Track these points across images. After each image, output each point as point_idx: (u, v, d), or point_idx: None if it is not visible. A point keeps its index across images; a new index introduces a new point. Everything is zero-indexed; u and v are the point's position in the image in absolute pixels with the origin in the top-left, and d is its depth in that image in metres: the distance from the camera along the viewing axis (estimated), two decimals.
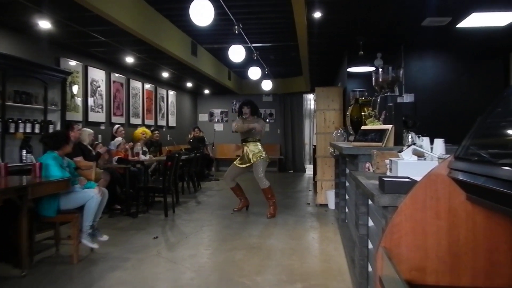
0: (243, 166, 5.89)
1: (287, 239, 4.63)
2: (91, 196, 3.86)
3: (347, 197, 4.88)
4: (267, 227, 5.21)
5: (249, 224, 5.35)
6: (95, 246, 3.92)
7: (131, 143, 6.84)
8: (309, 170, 12.13)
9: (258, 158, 5.75)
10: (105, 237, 4.04)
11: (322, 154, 6.66)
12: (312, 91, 11.38)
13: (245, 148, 5.89)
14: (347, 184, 4.85)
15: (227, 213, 6.02)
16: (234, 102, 12.86)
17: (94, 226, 3.95)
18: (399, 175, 2.15)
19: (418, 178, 1.84)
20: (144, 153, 6.87)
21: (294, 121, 12.56)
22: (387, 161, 2.47)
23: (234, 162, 6.02)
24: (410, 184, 1.76)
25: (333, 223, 5.38)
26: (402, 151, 2.33)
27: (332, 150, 5.44)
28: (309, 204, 6.83)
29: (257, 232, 4.92)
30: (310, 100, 12.97)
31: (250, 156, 5.82)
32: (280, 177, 10.96)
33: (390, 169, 2.35)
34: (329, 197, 6.34)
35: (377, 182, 2.08)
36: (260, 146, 5.87)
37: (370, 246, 2.88)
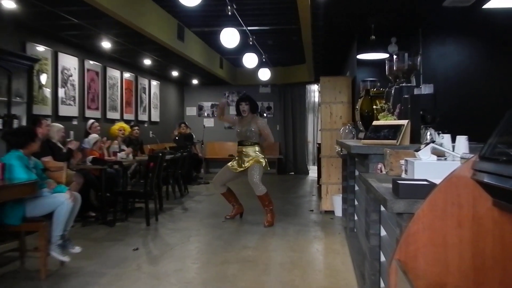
0: (237, 171, 5.89)
1: (287, 251, 4.63)
2: (62, 201, 3.84)
3: (356, 203, 4.89)
4: (264, 238, 5.21)
5: (243, 234, 5.34)
6: (66, 259, 3.90)
7: (108, 141, 6.82)
8: (312, 172, 12.15)
9: (255, 162, 5.74)
10: (77, 249, 4.02)
11: (327, 153, 6.67)
12: (316, 81, 11.39)
13: (242, 150, 5.89)
14: (356, 188, 4.85)
15: (218, 222, 6.02)
16: (227, 94, 12.85)
17: (65, 236, 3.93)
18: (415, 177, 2.16)
19: (437, 181, 1.84)
20: (121, 150, 6.84)
21: (295, 115, 12.57)
22: (402, 162, 2.48)
23: (228, 164, 6.02)
24: (428, 187, 1.76)
25: (340, 232, 5.39)
26: (420, 150, 2.33)
27: (339, 149, 5.45)
28: (312, 211, 6.84)
29: (253, 243, 4.91)
30: (314, 91, 12.97)
31: (245, 160, 5.82)
32: (279, 180, 10.97)
33: (406, 171, 2.37)
34: (336, 203, 6.35)
35: (390, 185, 2.08)
36: (258, 151, 5.86)
37: (383, 259, 2.88)
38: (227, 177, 6.06)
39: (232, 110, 10.82)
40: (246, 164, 5.79)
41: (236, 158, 5.97)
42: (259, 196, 5.74)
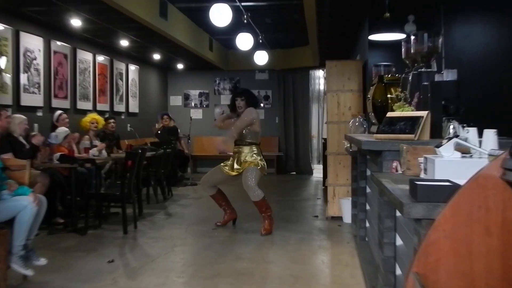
0: (231, 173, 5.91)
1: (287, 262, 4.64)
2: (24, 205, 3.83)
3: (367, 207, 4.91)
4: (260, 248, 5.22)
5: (236, 244, 5.36)
6: (29, 272, 3.89)
7: (77, 134, 6.77)
8: (317, 171, 12.19)
9: (251, 164, 5.75)
10: (42, 261, 4.02)
11: (334, 150, 6.69)
12: (321, 66, 11.39)
13: (239, 151, 5.91)
14: (368, 190, 4.87)
15: (208, 229, 6.03)
16: (218, 81, 12.84)
17: (28, 246, 3.92)
18: (436, 177, 2.16)
19: (461, 182, 1.84)
20: (93, 146, 6.79)
21: (297, 106, 12.58)
22: (421, 159, 2.48)
23: (221, 165, 6.05)
24: (451, 189, 1.76)
25: (349, 241, 5.41)
26: (441, 145, 2.33)
27: (348, 145, 5.45)
28: (317, 216, 6.87)
29: (248, 254, 4.93)
30: (318, 78, 12.98)
31: (241, 162, 5.84)
32: (278, 181, 10.99)
33: (425, 170, 2.37)
34: (344, 208, 6.37)
35: (407, 186, 2.09)
36: (256, 152, 5.88)
37: (398, 271, 2.89)
38: (218, 178, 6.08)
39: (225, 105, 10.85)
40: (241, 167, 5.81)
41: (231, 159, 5.98)
42: (255, 202, 5.75)
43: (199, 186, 9.58)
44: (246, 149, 5.87)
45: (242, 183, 5.81)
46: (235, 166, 5.89)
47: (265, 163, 5.93)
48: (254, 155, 5.85)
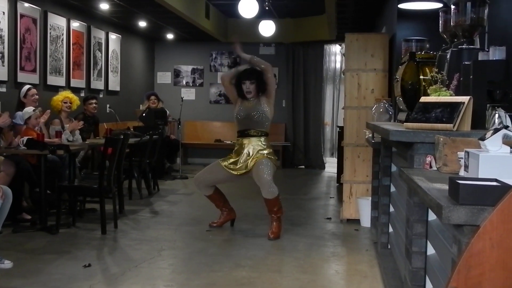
0: (235, 172, 5.84)
1: (295, 272, 4.64)
2: None
3: (391, 209, 4.91)
4: (264, 254, 5.21)
5: (235, 248, 5.35)
6: None
7: (47, 111, 6.69)
8: (330, 166, 12.18)
9: (263, 156, 5.75)
10: (7, 264, 4.05)
11: (352, 141, 6.67)
12: (339, 39, 11.35)
13: (243, 144, 5.85)
14: (393, 188, 4.87)
15: (201, 231, 6.03)
16: (214, 55, 12.79)
17: None
18: (480, 176, 2.16)
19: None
20: (62, 131, 6.74)
21: (308, 87, 12.55)
22: (461, 154, 2.48)
23: (221, 162, 5.96)
24: (500, 190, 1.76)
25: (368, 249, 5.41)
26: (486, 138, 2.33)
27: (370, 135, 5.45)
28: (330, 219, 6.88)
29: (249, 261, 4.92)
30: (335, 54, 12.93)
31: (251, 155, 5.77)
32: (284, 176, 10.97)
33: (466, 167, 2.37)
34: (362, 209, 6.38)
35: (446, 186, 2.08)
36: (266, 144, 5.86)
37: (429, 286, 2.90)
38: (217, 178, 6.02)
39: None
40: (250, 164, 5.75)
41: (233, 154, 5.92)
42: (268, 199, 5.72)
43: (191, 180, 9.62)
44: (254, 141, 5.81)
45: (243, 178, 5.80)
46: (240, 163, 5.80)
47: (276, 158, 5.96)
48: (263, 147, 5.81)
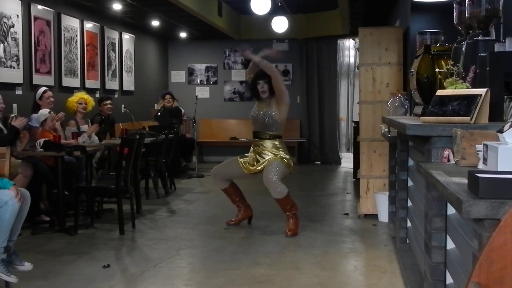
0: (246, 171, 5.95)
1: (314, 269, 4.65)
2: (5, 201, 3.85)
3: (409, 203, 4.89)
4: (282, 251, 5.23)
5: (253, 246, 5.37)
6: (12, 279, 3.92)
7: (61, 113, 6.72)
8: (346, 161, 12.16)
9: (275, 158, 5.79)
10: (27, 265, 4.06)
11: (368, 136, 6.66)
12: (352, 34, 11.31)
13: (257, 146, 5.94)
14: (410, 183, 4.85)
15: (219, 229, 6.05)
16: (228, 53, 12.80)
17: (10, 249, 3.96)
18: (500, 169, 2.14)
19: None
20: (81, 133, 6.79)
21: (322, 83, 12.52)
22: (479, 147, 2.46)
23: (238, 158, 6.08)
24: None
25: (387, 244, 5.40)
26: (504, 130, 2.31)
27: (386, 129, 5.43)
28: (347, 214, 6.88)
29: (267, 259, 4.93)
30: (349, 49, 12.89)
31: (261, 158, 5.85)
32: (300, 172, 10.97)
33: (485, 160, 2.35)
34: (380, 204, 6.37)
35: (464, 180, 2.07)
36: (280, 147, 5.90)
37: (449, 280, 2.89)
38: (233, 172, 6.11)
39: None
40: (262, 165, 5.82)
41: (251, 153, 6.00)
42: (278, 199, 5.76)
43: (207, 178, 9.67)
44: (268, 144, 5.86)
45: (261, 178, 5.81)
46: (254, 164, 5.89)
47: (291, 161, 5.97)
48: (278, 148, 5.85)
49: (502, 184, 1.79)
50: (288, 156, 5.93)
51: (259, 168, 5.84)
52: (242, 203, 6.22)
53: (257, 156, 5.90)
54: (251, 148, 6.03)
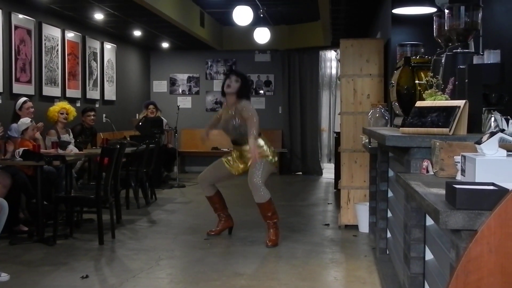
0: (235, 170, 5.97)
1: (294, 279, 4.64)
2: None
3: (389, 214, 4.91)
4: (262, 262, 5.22)
5: (234, 257, 5.35)
6: None
7: (40, 123, 6.68)
8: (327, 172, 12.19)
9: (259, 156, 5.75)
10: (4, 276, 4.04)
11: (349, 146, 6.68)
12: (334, 45, 11.37)
13: (239, 152, 5.96)
14: (390, 194, 4.86)
15: (199, 239, 6.02)
16: (210, 63, 12.81)
17: None
18: (477, 180, 2.15)
19: (509, 186, 1.83)
20: (62, 143, 6.76)
21: (304, 94, 12.57)
22: (458, 158, 2.48)
23: (223, 159, 6.08)
24: (497, 194, 1.76)
25: (367, 255, 5.41)
26: (482, 142, 2.32)
27: (367, 140, 5.45)
28: (328, 225, 6.88)
29: (247, 269, 4.92)
30: (330, 60, 12.94)
31: (246, 158, 5.86)
32: (282, 182, 10.98)
33: (463, 171, 2.37)
34: (361, 215, 6.37)
35: (442, 191, 2.08)
36: (261, 144, 5.87)
37: None
38: (221, 174, 6.11)
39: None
40: (246, 166, 5.85)
41: (233, 155, 6.02)
42: (260, 204, 5.74)
43: (188, 188, 9.65)
44: (247, 147, 5.84)
45: (245, 183, 5.81)
46: (240, 165, 5.95)
47: (275, 155, 5.98)
48: (260, 148, 5.80)
49: (479, 195, 1.80)
50: (270, 152, 5.88)
51: (244, 168, 5.87)
52: (223, 213, 6.20)
53: (240, 156, 5.92)
54: (234, 153, 6.03)
